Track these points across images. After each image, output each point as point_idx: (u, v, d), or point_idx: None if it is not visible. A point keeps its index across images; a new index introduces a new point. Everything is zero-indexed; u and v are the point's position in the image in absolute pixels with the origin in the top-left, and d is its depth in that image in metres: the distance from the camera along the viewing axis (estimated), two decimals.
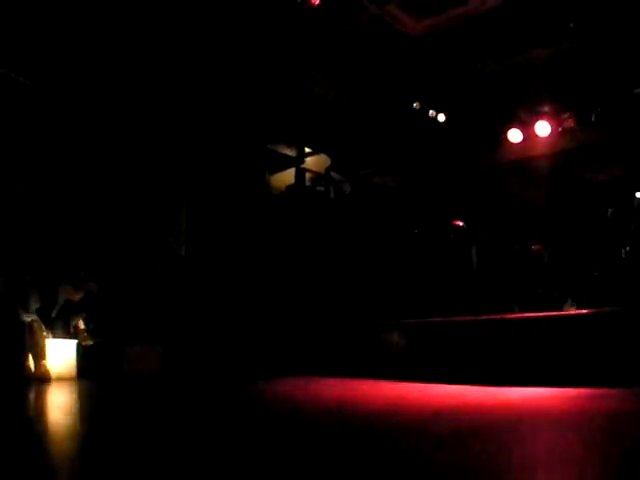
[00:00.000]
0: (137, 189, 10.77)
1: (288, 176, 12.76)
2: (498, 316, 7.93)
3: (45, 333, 8.29)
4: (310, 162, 12.91)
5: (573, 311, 9.15)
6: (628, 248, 9.60)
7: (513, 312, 9.52)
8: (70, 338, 8.75)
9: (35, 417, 5.50)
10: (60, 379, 8.23)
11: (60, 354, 8.46)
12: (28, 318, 8.19)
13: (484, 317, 7.95)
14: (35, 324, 8.15)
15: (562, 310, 9.67)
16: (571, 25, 7.84)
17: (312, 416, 4.96)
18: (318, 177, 13.01)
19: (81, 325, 8.92)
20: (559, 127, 10.20)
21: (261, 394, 6.98)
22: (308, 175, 12.96)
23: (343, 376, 8.32)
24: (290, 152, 12.58)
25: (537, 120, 10.21)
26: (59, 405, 6.48)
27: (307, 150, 12.79)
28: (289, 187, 12.72)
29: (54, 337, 8.55)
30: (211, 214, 11.21)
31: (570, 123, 10.14)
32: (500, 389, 6.32)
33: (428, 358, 7.83)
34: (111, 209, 10.44)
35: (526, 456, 3.21)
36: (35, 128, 9.37)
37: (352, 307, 10.46)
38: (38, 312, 8.42)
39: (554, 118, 10.17)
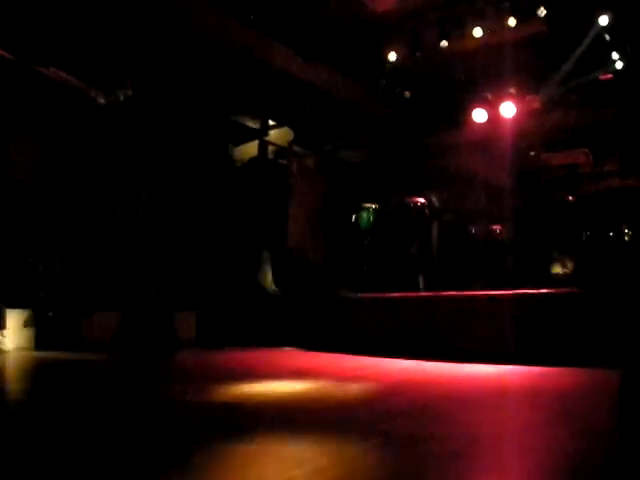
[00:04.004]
0: (97, 160, 10.56)
1: (251, 148, 12.67)
2: (457, 292, 8.03)
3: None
4: (274, 135, 12.82)
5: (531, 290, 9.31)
6: (589, 232, 9.81)
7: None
8: (28, 308, 8.61)
9: None
10: (18, 349, 8.12)
11: (18, 324, 8.33)
12: None
13: (443, 293, 8.05)
14: None
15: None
16: (540, 9, 7.89)
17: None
18: (281, 150, 12.96)
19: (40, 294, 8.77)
20: (524, 109, 10.30)
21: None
22: (271, 148, 12.89)
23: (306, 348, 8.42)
24: (254, 124, 12.46)
25: (502, 101, 10.29)
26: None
27: (271, 123, 12.70)
28: (252, 159, 12.65)
29: (12, 307, 8.41)
30: (173, 185, 11.07)
31: (535, 105, 10.25)
32: (460, 365, 6.46)
33: (387, 333, 7.90)
34: (71, 179, 10.23)
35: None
36: None
37: (313, 280, 10.51)
38: None
39: (520, 99, 10.25)
